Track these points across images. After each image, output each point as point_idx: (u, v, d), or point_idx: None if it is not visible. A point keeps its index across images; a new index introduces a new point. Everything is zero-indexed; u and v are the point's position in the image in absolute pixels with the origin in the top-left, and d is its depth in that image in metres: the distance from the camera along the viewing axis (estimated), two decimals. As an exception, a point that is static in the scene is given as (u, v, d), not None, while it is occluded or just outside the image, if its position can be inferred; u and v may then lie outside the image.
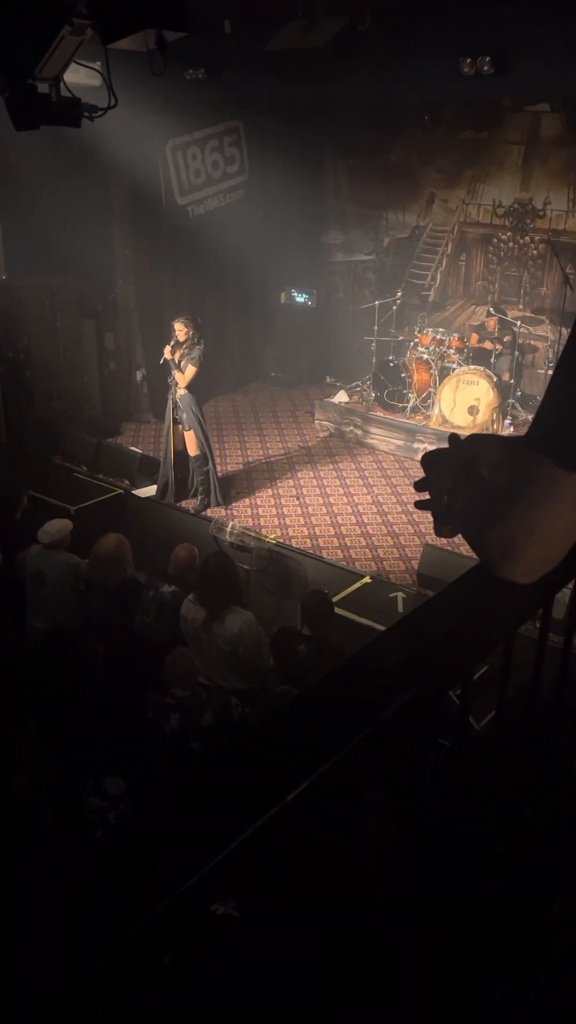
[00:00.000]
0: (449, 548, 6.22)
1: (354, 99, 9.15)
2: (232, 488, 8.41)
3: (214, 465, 7.97)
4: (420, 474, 1.13)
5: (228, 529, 6.68)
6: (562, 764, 1.50)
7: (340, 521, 7.84)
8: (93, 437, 8.67)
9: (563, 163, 9.11)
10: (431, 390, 9.01)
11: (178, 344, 7.44)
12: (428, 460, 1.13)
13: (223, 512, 7.83)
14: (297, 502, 8.21)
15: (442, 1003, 1.32)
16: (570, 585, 1.21)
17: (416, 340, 9.22)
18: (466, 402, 8.60)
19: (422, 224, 10.37)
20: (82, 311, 9.45)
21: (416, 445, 8.93)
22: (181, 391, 7.59)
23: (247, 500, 8.25)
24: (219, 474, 8.16)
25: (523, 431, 1.24)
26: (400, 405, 9.33)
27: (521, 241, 9.66)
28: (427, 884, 1.30)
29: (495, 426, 8.60)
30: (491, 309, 9.37)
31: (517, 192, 9.53)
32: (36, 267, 8.85)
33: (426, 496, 1.11)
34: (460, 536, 1.07)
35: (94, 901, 0.66)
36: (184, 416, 7.69)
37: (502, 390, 8.63)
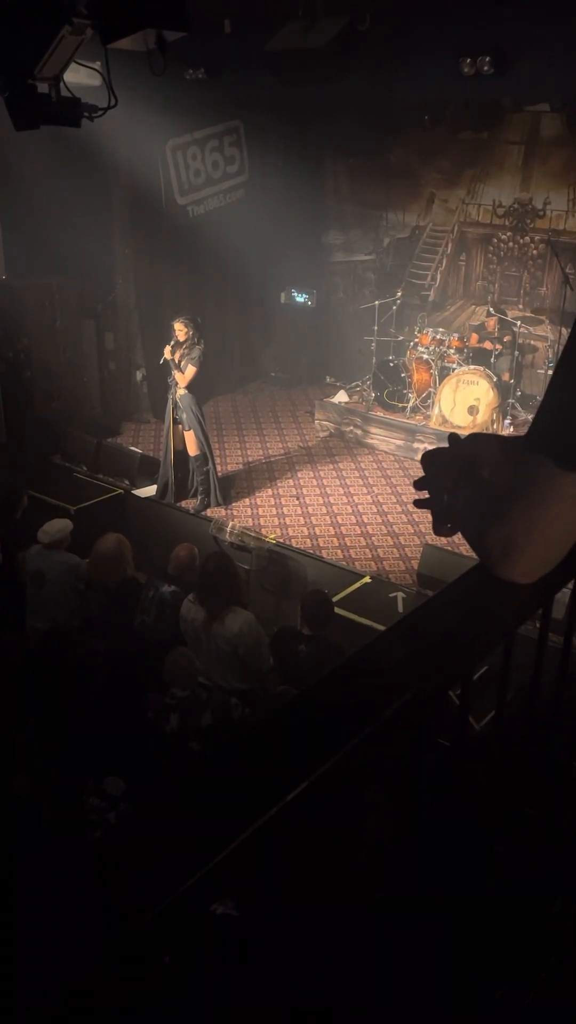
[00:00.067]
0: (449, 548, 6.22)
1: (354, 99, 9.16)
2: (232, 488, 8.41)
3: (214, 465, 7.97)
4: (420, 474, 1.13)
5: (228, 529, 6.68)
6: (562, 764, 1.50)
7: (340, 521, 7.84)
8: (93, 437, 8.67)
9: (563, 163, 9.11)
10: (431, 390, 9.01)
11: (178, 344, 7.44)
12: (428, 459, 1.13)
13: (223, 512, 7.83)
14: (297, 502, 8.21)
15: (442, 1003, 1.31)
16: (570, 585, 1.21)
17: (416, 340, 9.21)
18: (466, 402, 8.60)
19: (422, 224, 10.37)
20: (82, 311, 9.45)
21: (416, 445, 8.93)
22: (181, 391, 7.59)
23: (247, 500, 8.25)
24: (219, 474, 8.16)
25: (523, 431, 1.24)
26: (400, 405, 9.33)
27: (521, 241, 9.66)
28: (427, 884, 1.30)
29: (495, 426, 8.60)
30: (491, 309, 9.37)
31: (517, 192, 9.53)
32: (36, 267, 8.85)
33: (426, 495, 1.11)
34: (460, 536, 1.07)
35: (94, 901, 0.66)
36: (184, 416, 7.69)
37: (502, 390, 8.63)
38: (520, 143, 9.35)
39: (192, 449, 7.79)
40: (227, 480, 8.47)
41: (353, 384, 10.20)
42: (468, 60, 6.66)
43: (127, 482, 8.07)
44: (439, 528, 1.10)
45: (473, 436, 1.10)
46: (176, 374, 7.52)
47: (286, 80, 7.59)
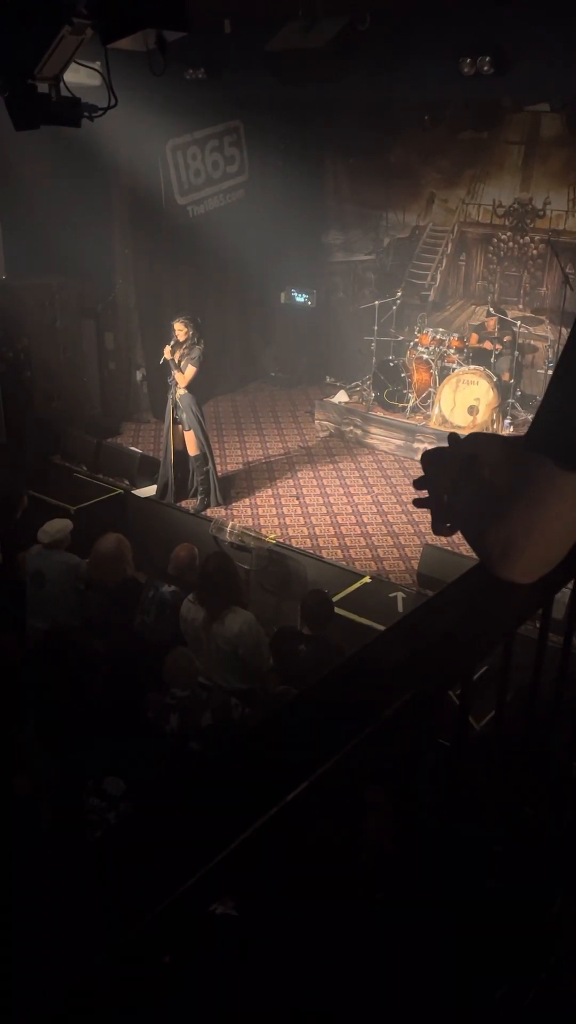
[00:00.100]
0: (449, 548, 6.22)
1: (354, 99, 9.16)
2: (232, 488, 8.41)
3: (214, 465, 7.97)
4: (420, 474, 1.13)
5: (228, 529, 6.68)
6: (562, 764, 1.50)
7: (340, 521, 7.84)
8: (93, 437, 8.67)
9: (563, 163, 9.11)
10: (431, 390, 9.01)
11: (178, 344, 7.44)
12: (428, 458, 1.13)
13: (223, 512, 7.83)
14: (297, 502, 8.21)
15: (442, 1003, 1.31)
16: (570, 585, 1.21)
17: (416, 340, 9.21)
18: (466, 402, 8.60)
19: (422, 224, 10.37)
20: (82, 311, 9.45)
21: (416, 445, 8.93)
22: (181, 391, 7.59)
23: (247, 500, 8.25)
24: (219, 474, 8.16)
25: (523, 431, 1.24)
26: (400, 405, 9.33)
27: (521, 241, 9.66)
28: (427, 884, 1.30)
29: (495, 426, 8.60)
30: (491, 309, 9.37)
31: (517, 192, 9.53)
32: (36, 267, 8.85)
33: (425, 494, 1.11)
34: (460, 536, 1.07)
35: (94, 901, 0.66)
36: (184, 416, 7.69)
37: (502, 390, 8.63)
38: (520, 143, 9.35)
39: (192, 449, 7.79)
40: (227, 480, 8.47)
41: (353, 384, 10.19)
42: (468, 60, 6.66)
43: (127, 482, 8.07)
44: (439, 527, 1.10)
45: (473, 436, 1.10)
46: (176, 374, 7.52)
47: (286, 80, 7.59)
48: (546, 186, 9.31)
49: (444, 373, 8.85)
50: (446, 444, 1.14)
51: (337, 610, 5.19)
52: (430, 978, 1.30)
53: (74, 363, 9.41)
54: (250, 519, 7.83)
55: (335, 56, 7.05)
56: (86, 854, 0.71)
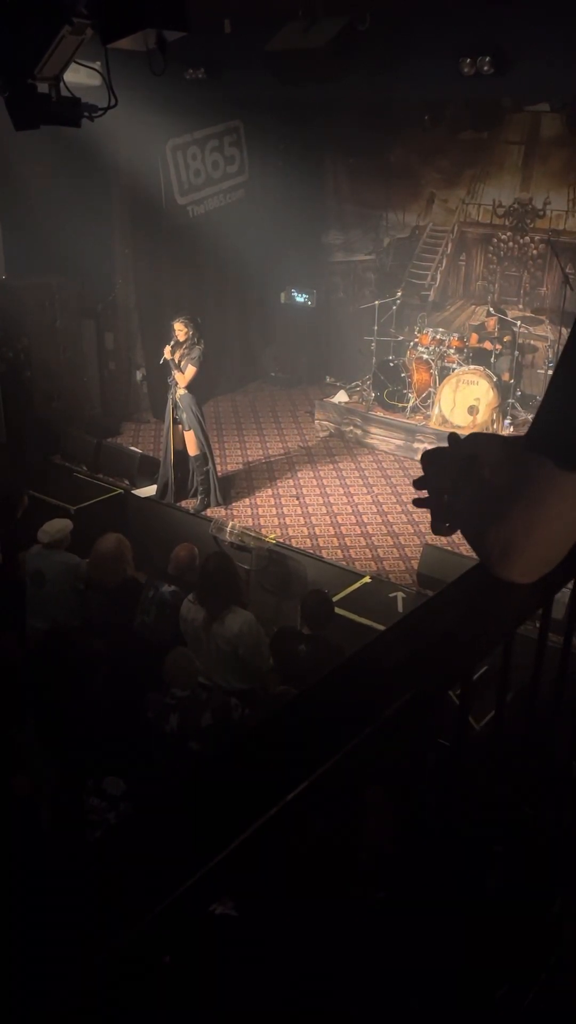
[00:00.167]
0: (449, 548, 6.22)
1: (354, 99, 9.16)
2: (232, 488, 8.41)
3: (214, 465, 7.97)
4: (420, 474, 1.13)
5: (228, 529, 6.68)
6: (562, 764, 1.50)
7: (340, 521, 7.84)
8: (93, 437, 8.67)
9: (563, 163, 9.11)
10: (431, 390, 9.01)
11: (178, 344, 7.44)
12: (427, 458, 1.12)
13: (223, 512, 7.83)
14: (297, 502, 8.21)
15: (442, 1003, 1.31)
16: (570, 585, 1.21)
17: (416, 340, 9.21)
18: (466, 402, 8.60)
19: (422, 224, 10.37)
20: (82, 311, 9.45)
21: (416, 445, 8.93)
22: (181, 391, 7.59)
23: (247, 500, 8.25)
24: (219, 474, 8.16)
25: (523, 431, 1.23)
26: (400, 405, 9.33)
27: (521, 241, 9.66)
28: (427, 884, 1.30)
29: (495, 426, 8.60)
30: (491, 309, 9.37)
31: (517, 192, 9.53)
32: (36, 267, 8.85)
33: (425, 494, 1.11)
34: (460, 536, 1.07)
35: (94, 901, 0.66)
36: (184, 416, 7.69)
37: (502, 390, 8.63)
38: (520, 143, 9.34)
39: (192, 449, 7.79)
40: (227, 480, 8.47)
41: (353, 384, 10.19)
42: (468, 60, 6.66)
43: (127, 482, 8.07)
44: (438, 527, 1.10)
45: (473, 436, 1.09)
46: (176, 374, 7.52)
47: (286, 80, 7.59)
48: (546, 186, 9.31)
49: (444, 373, 8.85)
50: (446, 444, 1.14)
51: (337, 610, 5.19)
52: (430, 978, 1.30)
53: (74, 363, 9.41)
54: (250, 519, 7.83)
55: (335, 56, 7.05)
56: (86, 854, 0.71)
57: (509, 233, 9.72)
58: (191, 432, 7.71)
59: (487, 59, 6.59)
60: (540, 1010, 1.38)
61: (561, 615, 1.35)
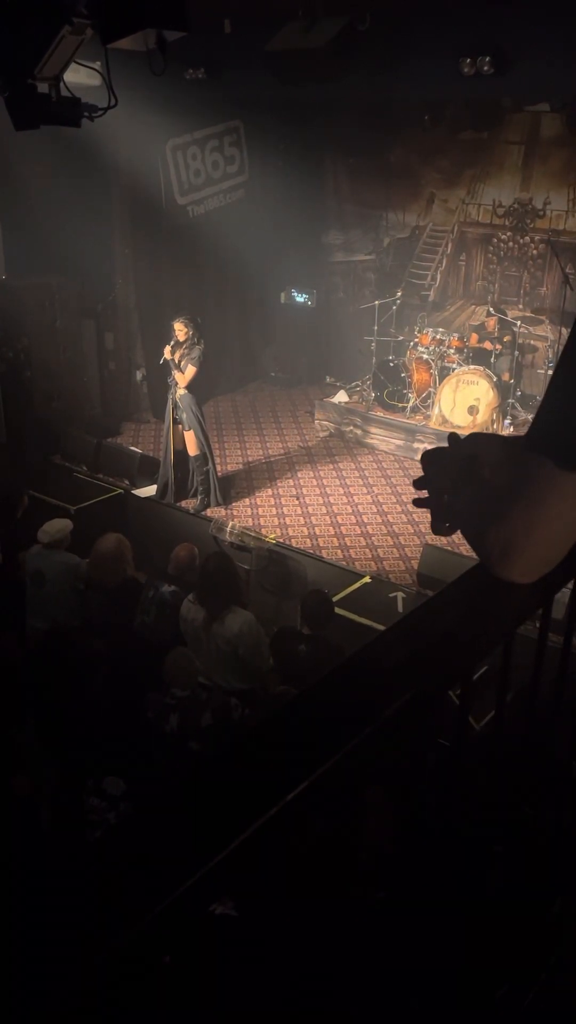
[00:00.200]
0: (449, 548, 6.22)
1: (354, 99, 9.16)
2: (232, 488, 8.41)
3: (214, 465, 7.97)
4: (420, 474, 1.13)
5: (228, 529, 6.68)
6: (562, 764, 1.50)
7: (340, 521, 7.84)
8: (93, 437, 8.67)
9: (563, 163, 9.11)
10: (431, 390, 9.01)
11: (178, 344, 7.44)
12: (427, 458, 1.12)
13: (223, 512, 7.83)
14: (297, 502, 8.21)
15: (442, 1003, 1.31)
16: (570, 585, 1.21)
17: (416, 340, 9.21)
18: (466, 402, 8.60)
19: (422, 224, 10.37)
20: (82, 311, 9.45)
21: (416, 445, 8.93)
22: (181, 391, 7.59)
23: (247, 500, 8.25)
24: (219, 474, 8.16)
25: (523, 431, 1.23)
26: (400, 405, 9.33)
27: (521, 241, 9.66)
28: (427, 884, 1.30)
29: (495, 426, 8.60)
30: (491, 309, 9.37)
31: (517, 192, 9.53)
32: (36, 267, 8.85)
33: (425, 494, 1.11)
34: (460, 536, 1.07)
35: (94, 901, 0.66)
36: (184, 416, 7.69)
37: (502, 390, 8.63)
38: (520, 143, 9.34)
39: (192, 449, 7.79)
40: (227, 480, 8.47)
41: (353, 384, 10.19)
42: (468, 60, 6.66)
43: (127, 482, 8.07)
44: (438, 527, 1.10)
45: (473, 436, 1.09)
46: (176, 374, 7.52)
47: (286, 80, 7.59)
48: (546, 186, 9.31)
49: (444, 373, 8.85)
50: (446, 444, 1.14)
51: (337, 610, 5.19)
52: (430, 978, 1.30)
53: (74, 363, 9.41)
54: (250, 519, 7.83)
55: (335, 56, 7.05)
56: (86, 854, 0.71)
57: (509, 233, 9.72)
58: (191, 432, 7.71)
59: (487, 59, 6.59)
60: (540, 1010, 1.38)
61: (561, 615, 1.35)
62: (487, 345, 8.98)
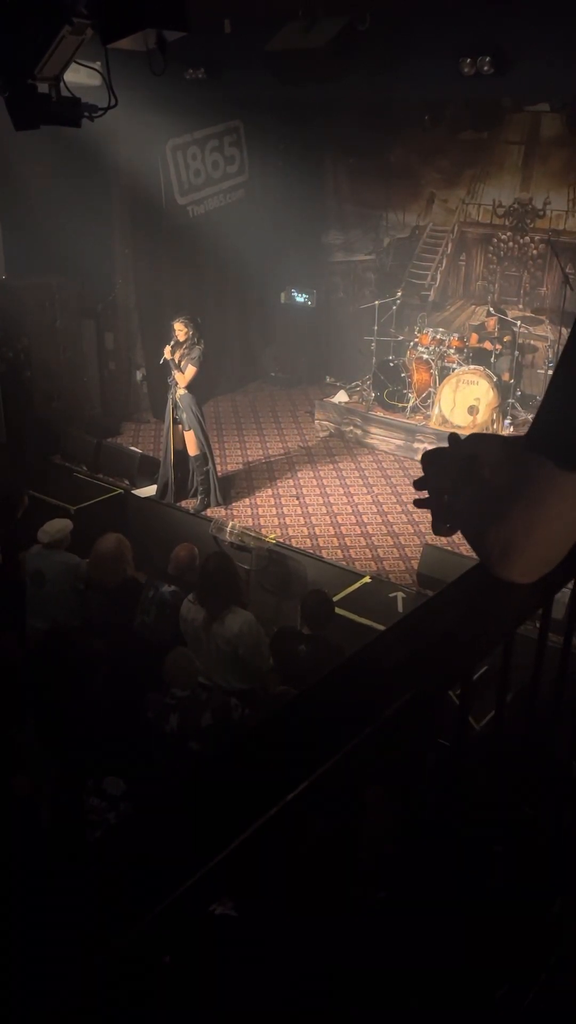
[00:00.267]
0: (449, 548, 6.22)
1: (354, 99, 9.16)
2: (232, 488, 8.41)
3: (214, 465, 7.97)
4: (420, 474, 1.13)
5: (228, 529, 6.68)
6: (562, 764, 1.50)
7: (340, 521, 7.84)
8: (93, 437, 8.67)
9: (563, 163, 9.11)
10: (431, 390, 9.01)
11: (178, 344, 7.44)
12: (428, 459, 1.12)
13: (223, 512, 7.83)
14: (297, 502, 8.21)
15: (442, 1003, 1.31)
16: (570, 585, 1.21)
17: (416, 340, 9.21)
18: (466, 402, 8.60)
19: (422, 224, 10.37)
20: (82, 311, 9.45)
21: (416, 445, 8.93)
22: (181, 391, 7.59)
23: (247, 500, 8.25)
24: (219, 474, 8.16)
25: (523, 431, 1.23)
26: (400, 405, 9.33)
27: (521, 241, 9.66)
28: (427, 884, 1.30)
29: (495, 426, 8.60)
30: (491, 309, 9.37)
31: (517, 192, 9.53)
32: (36, 267, 8.85)
33: (425, 495, 1.11)
34: (460, 536, 1.07)
35: (94, 901, 0.66)
36: (184, 416, 7.69)
37: (502, 390, 8.63)
38: (520, 143, 9.34)
39: (192, 449, 7.79)
40: (227, 480, 8.47)
41: (353, 384, 10.19)
42: (468, 60, 6.67)
43: (127, 482, 8.07)
44: (439, 528, 1.10)
45: (473, 436, 1.09)
46: (176, 374, 7.52)
47: (286, 80, 7.59)
48: (546, 186, 9.31)
49: (444, 373, 8.85)
50: (446, 444, 1.14)
51: (337, 610, 5.19)
52: (430, 978, 1.30)
53: (74, 363, 9.41)
54: (250, 519, 7.83)
55: (335, 56, 7.05)
56: (86, 854, 0.71)
57: (509, 233, 9.72)
58: (191, 432, 7.71)
59: (487, 59, 6.59)
60: (540, 1010, 1.38)
61: (561, 615, 1.35)
62: (487, 345, 8.98)
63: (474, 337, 9.20)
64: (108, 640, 4.90)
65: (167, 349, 7.45)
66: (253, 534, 6.76)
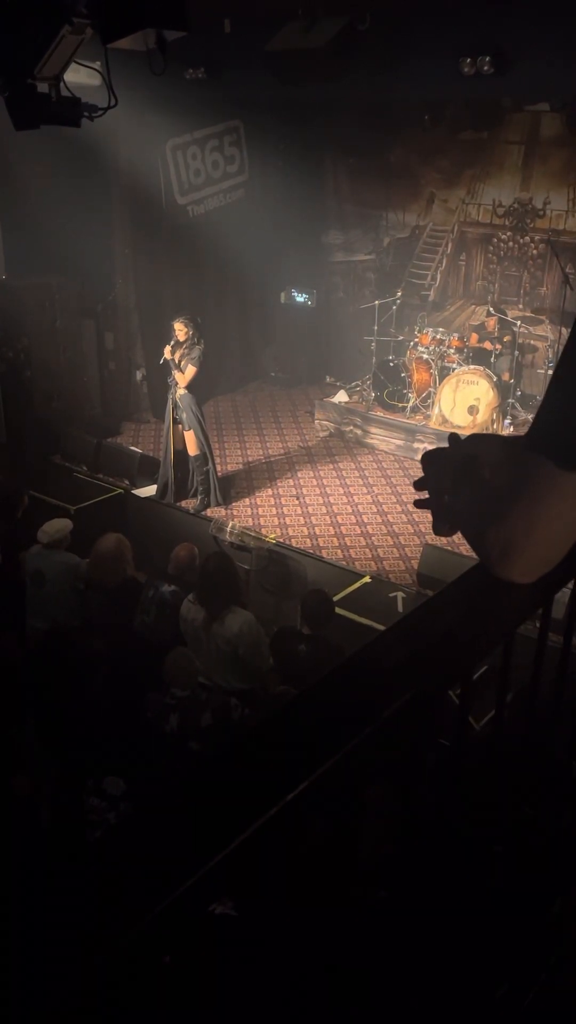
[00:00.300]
0: (449, 548, 6.22)
1: (354, 99, 9.16)
2: (232, 488, 8.41)
3: (214, 465, 7.97)
4: (420, 474, 1.13)
5: (228, 529, 6.68)
6: (562, 764, 1.50)
7: (340, 521, 7.84)
8: (93, 437, 8.67)
9: (563, 163, 9.11)
10: (431, 390, 9.01)
11: (178, 344, 7.44)
12: (428, 459, 1.12)
13: (223, 512, 7.83)
14: (297, 502, 8.21)
15: (442, 1003, 1.32)
16: (570, 585, 1.21)
17: (416, 340, 9.21)
18: (466, 402, 8.60)
19: (422, 224, 10.37)
20: (82, 311, 9.45)
21: (416, 445, 8.93)
22: (181, 391, 7.59)
23: (247, 500, 8.25)
24: (219, 474, 8.16)
25: (523, 431, 1.24)
26: (400, 405, 9.33)
27: (521, 241, 9.66)
28: (427, 884, 1.30)
29: (495, 426, 8.60)
30: (491, 309, 9.37)
31: (517, 192, 9.53)
32: (36, 267, 8.85)
33: (425, 495, 1.11)
34: (460, 536, 1.07)
35: (94, 901, 0.66)
36: (184, 416, 7.69)
37: (502, 390, 8.63)
38: (520, 143, 9.35)
39: (192, 449, 7.79)
40: (227, 480, 8.47)
41: (353, 384, 10.19)
42: (468, 60, 6.66)
43: (127, 482, 8.07)
44: (439, 528, 1.10)
45: (473, 436, 1.09)
46: (176, 374, 7.52)
47: (286, 80, 7.59)
48: (546, 186, 9.31)
49: (444, 373, 8.85)
50: (446, 444, 1.14)
51: (337, 610, 5.19)
52: (430, 978, 1.30)
53: (74, 363, 9.41)
54: (250, 519, 7.83)
55: (335, 56, 7.05)
56: (86, 854, 0.71)
57: (509, 233, 9.72)
58: (191, 432, 7.71)
59: (487, 59, 6.59)
60: (540, 1010, 1.38)
61: (561, 615, 1.35)
62: (487, 345, 8.98)
63: (474, 337, 9.20)
64: (108, 640, 4.90)
65: (167, 349, 7.45)
66: (253, 534, 6.76)
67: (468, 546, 1.00)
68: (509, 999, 1.36)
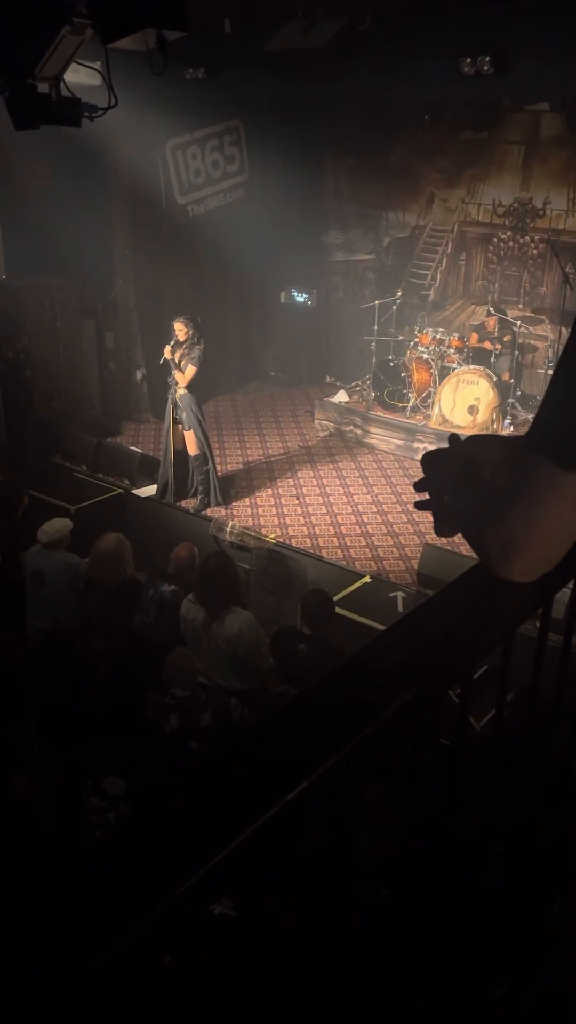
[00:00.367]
0: (449, 548, 6.22)
1: (354, 99, 9.16)
2: (232, 488, 8.41)
3: (214, 465, 7.97)
4: (420, 474, 1.13)
5: (228, 529, 6.68)
6: (562, 764, 1.50)
7: (340, 521, 7.84)
8: (93, 437, 8.67)
9: (563, 163, 9.11)
10: (431, 390, 9.01)
11: (178, 344, 7.44)
12: (428, 460, 1.12)
13: (223, 512, 7.83)
14: (297, 502, 8.21)
15: (442, 1003, 1.31)
16: (570, 585, 1.21)
17: (416, 340, 9.21)
18: (466, 402, 8.60)
19: (422, 224, 10.37)
20: (82, 311, 9.45)
21: (416, 445, 8.93)
22: (181, 391, 7.59)
23: (247, 500, 8.25)
24: (219, 474, 8.16)
25: (523, 431, 1.24)
26: (400, 405, 9.33)
27: (521, 241, 9.66)
28: (427, 884, 1.30)
29: (495, 426, 8.60)
30: (491, 309, 9.37)
31: (517, 192, 9.53)
32: (36, 267, 8.85)
33: (426, 496, 1.11)
34: (460, 536, 1.07)
35: (94, 901, 0.66)
36: (184, 416, 7.69)
37: (502, 390, 8.63)
38: (520, 143, 9.35)
39: (192, 449, 7.79)
40: (227, 480, 8.47)
41: (353, 384, 10.19)
42: (468, 60, 6.66)
43: (127, 482, 8.07)
44: (440, 529, 1.10)
45: (473, 437, 1.09)
46: (176, 374, 7.52)
47: (286, 80, 7.59)
48: (546, 186, 9.31)
49: (444, 373, 8.85)
50: (446, 445, 1.14)
51: (337, 610, 5.19)
52: (430, 977, 1.30)
53: (74, 363, 9.41)
54: (250, 519, 7.83)
55: (335, 56, 7.05)
56: (86, 854, 0.71)
57: (509, 233, 9.72)
58: (191, 432, 7.71)
59: (487, 59, 6.59)
60: (540, 1010, 1.38)
61: (561, 615, 1.35)
62: (487, 345, 8.98)
63: (474, 337, 9.20)
64: (108, 640, 4.90)
65: (167, 349, 7.45)
66: (253, 534, 6.75)
67: (468, 546, 1.00)
68: (509, 999, 1.36)
